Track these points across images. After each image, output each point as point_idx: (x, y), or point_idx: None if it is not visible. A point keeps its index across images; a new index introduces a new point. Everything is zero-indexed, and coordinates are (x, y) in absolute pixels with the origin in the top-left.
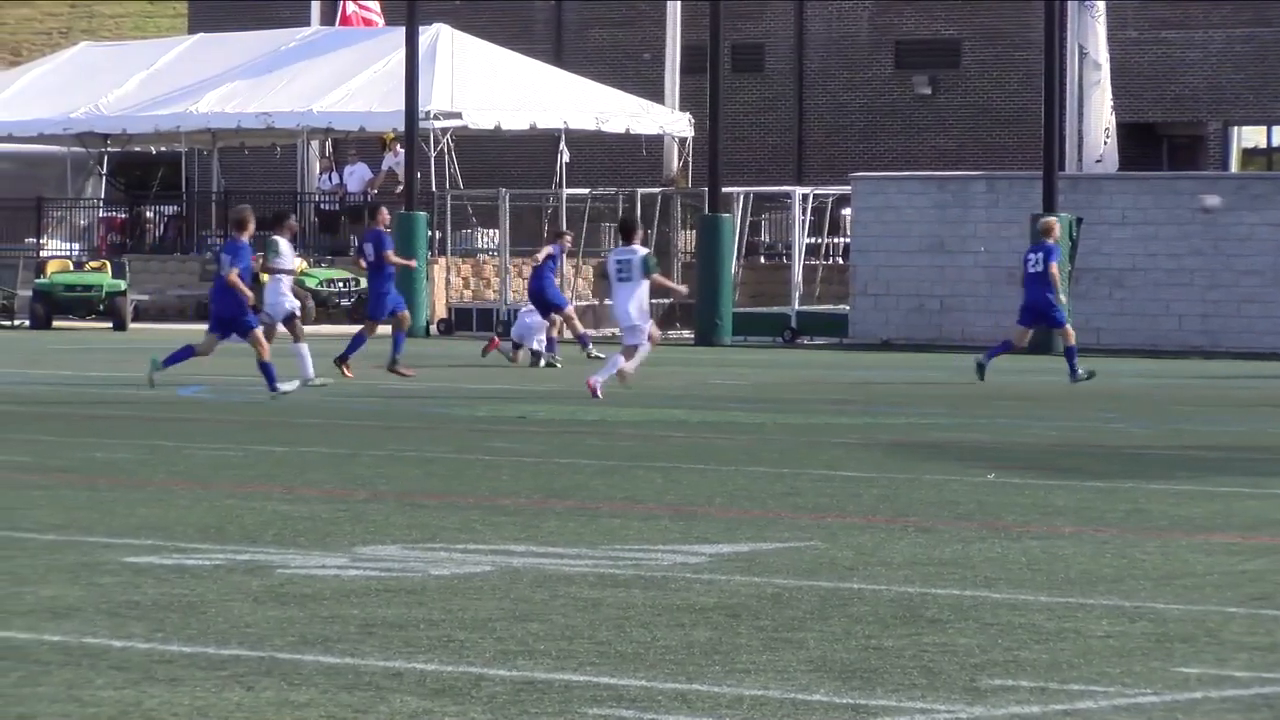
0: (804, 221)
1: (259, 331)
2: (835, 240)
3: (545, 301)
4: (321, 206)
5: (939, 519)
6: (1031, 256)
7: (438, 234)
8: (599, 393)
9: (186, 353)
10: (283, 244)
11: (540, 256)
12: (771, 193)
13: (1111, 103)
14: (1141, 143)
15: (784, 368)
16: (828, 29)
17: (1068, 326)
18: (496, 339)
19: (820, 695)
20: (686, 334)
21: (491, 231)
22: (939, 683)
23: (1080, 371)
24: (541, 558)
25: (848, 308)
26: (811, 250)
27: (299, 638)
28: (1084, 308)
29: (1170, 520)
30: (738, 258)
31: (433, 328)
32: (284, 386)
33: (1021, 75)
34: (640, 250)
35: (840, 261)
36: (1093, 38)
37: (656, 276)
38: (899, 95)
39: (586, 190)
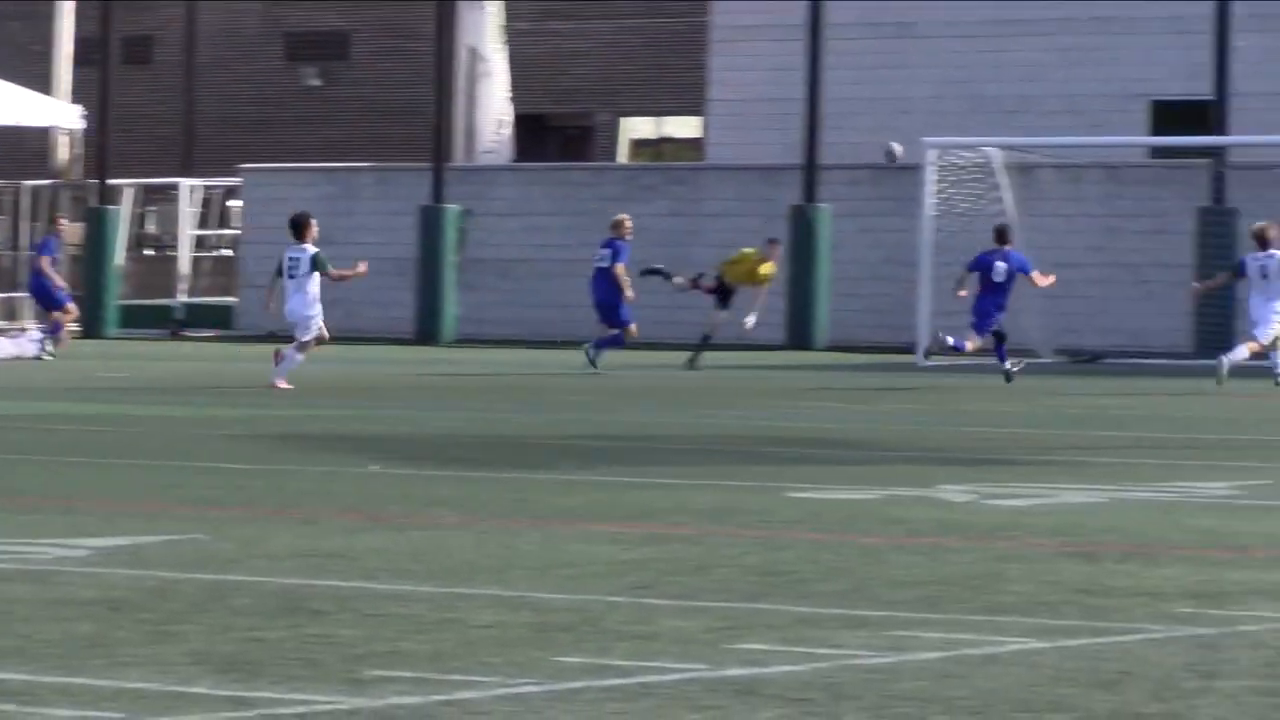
0: (195, 213)
1: None
2: (223, 232)
3: (49, 300)
4: None
5: (323, 510)
6: (601, 252)
7: None
8: (283, 384)
9: None
10: None
11: (40, 261)
12: (161, 184)
13: (509, 94)
14: (534, 134)
15: (170, 360)
16: (218, 21)
17: (631, 327)
18: None
19: (201, 688)
20: (74, 327)
21: None
22: (320, 674)
23: (595, 360)
24: None
25: (234, 300)
26: (199, 242)
27: None
28: (472, 298)
29: (553, 510)
30: (125, 250)
31: None
32: None
33: (412, 67)
34: (310, 249)
35: (227, 253)
36: (477, 30)
37: (333, 270)
38: (289, 87)
39: None
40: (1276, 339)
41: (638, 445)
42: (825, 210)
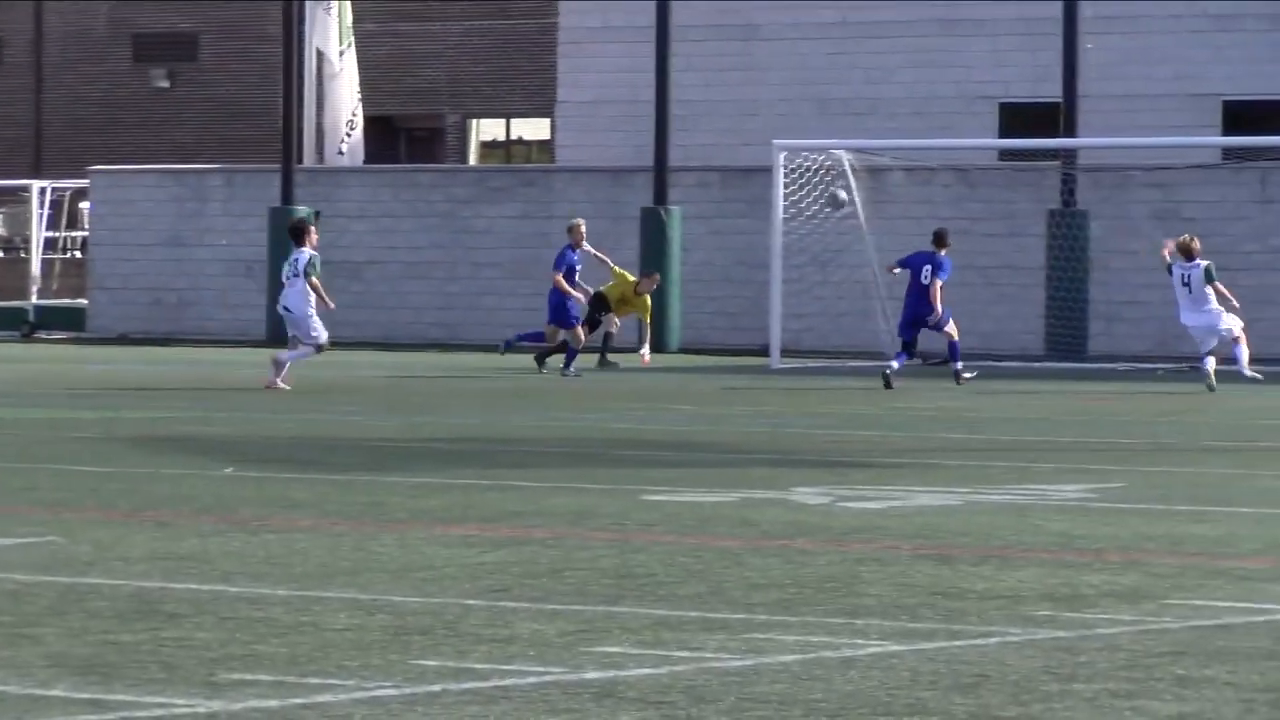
0: (43, 215)
1: None
2: (74, 234)
3: None
4: None
5: (178, 513)
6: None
7: None
8: (282, 384)
9: None
10: None
11: None
12: (10, 186)
13: (358, 96)
14: (382, 135)
15: (23, 362)
16: (65, 22)
17: (577, 330)
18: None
19: (59, 690)
20: None
21: None
22: (178, 677)
23: (571, 369)
24: None
25: (86, 301)
26: (50, 244)
27: None
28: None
29: (408, 512)
30: None
31: None
32: None
33: (260, 69)
34: (307, 252)
35: (79, 255)
36: (325, 31)
37: (315, 280)
38: (137, 88)
39: None
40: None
41: (492, 448)
42: (676, 212)
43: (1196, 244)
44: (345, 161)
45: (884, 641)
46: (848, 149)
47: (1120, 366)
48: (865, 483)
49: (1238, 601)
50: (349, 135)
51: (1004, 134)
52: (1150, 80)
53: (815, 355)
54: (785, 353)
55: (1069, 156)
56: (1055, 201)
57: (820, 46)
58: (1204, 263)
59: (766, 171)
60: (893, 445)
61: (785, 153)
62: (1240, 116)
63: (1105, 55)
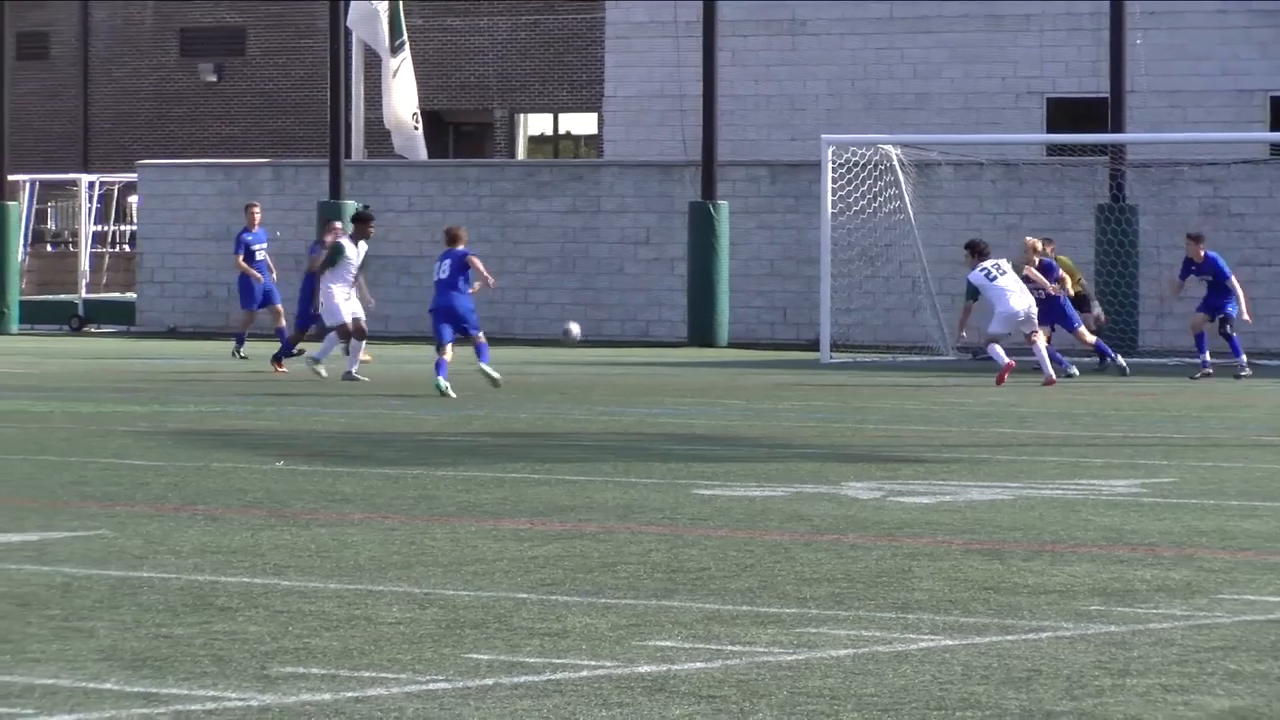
0: (91, 209)
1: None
2: (123, 228)
3: None
4: None
5: (228, 507)
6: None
7: None
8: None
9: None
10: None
11: None
12: (59, 180)
13: (415, 91)
14: (430, 130)
15: (72, 356)
16: (112, 16)
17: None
18: None
19: (111, 684)
20: None
21: None
22: (230, 670)
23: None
24: None
25: (135, 295)
26: (99, 238)
27: None
28: (373, 295)
29: (459, 506)
30: (24, 246)
31: None
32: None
33: (308, 63)
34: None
35: (128, 249)
36: (370, 27)
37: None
38: (185, 82)
39: None
40: None
41: (542, 442)
42: (724, 207)
43: None
44: (419, 156)
45: (936, 636)
46: (895, 143)
47: (1170, 361)
48: (916, 478)
49: None
50: (417, 128)
51: (1051, 129)
52: (1197, 76)
53: (865, 350)
54: (835, 347)
55: (1117, 152)
56: (1104, 196)
57: (868, 41)
58: None
59: (815, 166)
60: (943, 440)
61: (833, 147)
62: None
63: (1152, 51)
